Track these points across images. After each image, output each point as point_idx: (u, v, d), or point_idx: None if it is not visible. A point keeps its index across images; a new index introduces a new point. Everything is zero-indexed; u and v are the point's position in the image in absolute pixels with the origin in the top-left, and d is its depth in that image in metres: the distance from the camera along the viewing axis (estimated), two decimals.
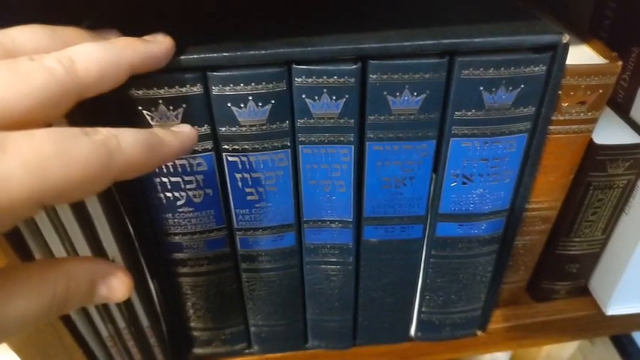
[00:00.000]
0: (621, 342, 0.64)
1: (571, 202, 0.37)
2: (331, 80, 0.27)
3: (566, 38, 0.27)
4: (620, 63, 0.30)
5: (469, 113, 0.29)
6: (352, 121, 0.28)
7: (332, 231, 0.33)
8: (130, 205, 0.31)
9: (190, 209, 0.31)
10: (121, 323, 0.34)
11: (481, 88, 0.28)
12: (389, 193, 0.32)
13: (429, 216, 0.33)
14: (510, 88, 0.28)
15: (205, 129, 0.28)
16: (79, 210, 0.28)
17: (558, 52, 0.27)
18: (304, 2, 0.32)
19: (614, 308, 0.42)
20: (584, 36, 0.33)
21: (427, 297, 0.37)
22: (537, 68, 0.27)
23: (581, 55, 0.32)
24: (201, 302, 0.36)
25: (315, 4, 0.32)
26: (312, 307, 0.38)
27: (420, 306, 0.38)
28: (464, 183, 0.31)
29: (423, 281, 0.37)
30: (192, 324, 0.37)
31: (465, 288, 0.37)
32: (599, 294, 0.43)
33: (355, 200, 0.32)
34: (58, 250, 0.29)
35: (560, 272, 0.42)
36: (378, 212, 0.33)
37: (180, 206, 0.31)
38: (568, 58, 0.28)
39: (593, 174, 0.35)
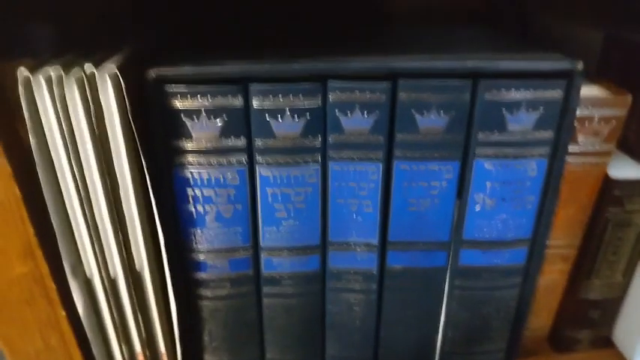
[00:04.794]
0: None
1: (590, 240, 0.37)
2: (364, 96, 0.29)
3: (580, 65, 0.29)
4: (630, 96, 0.32)
5: (492, 135, 0.30)
6: (381, 138, 0.30)
7: (356, 255, 0.33)
8: (161, 218, 0.31)
9: (219, 224, 0.32)
10: (137, 347, 0.33)
11: (503, 110, 0.29)
12: (414, 216, 0.32)
13: (453, 242, 0.34)
14: (530, 111, 0.30)
15: (242, 141, 0.30)
16: (116, 215, 0.28)
17: (574, 77, 0.29)
18: (339, 25, 0.35)
19: None
20: (593, 78, 0.36)
21: (450, 334, 0.37)
22: (555, 92, 0.29)
23: (592, 91, 0.34)
24: (218, 330, 0.35)
25: (348, 27, 0.35)
26: (332, 341, 0.37)
27: (443, 344, 0.37)
28: (487, 207, 0.32)
29: (446, 316, 0.36)
30: (206, 356, 0.36)
31: (487, 325, 0.36)
32: (623, 345, 0.42)
33: (381, 222, 0.32)
34: (87, 255, 0.29)
35: (582, 318, 0.41)
36: (402, 236, 0.33)
37: (210, 221, 0.31)
38: (587, 91, 0.30)
39: (610, 210, 0.36)
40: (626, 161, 0.37)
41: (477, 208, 0.32)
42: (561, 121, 0.30)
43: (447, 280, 0.35)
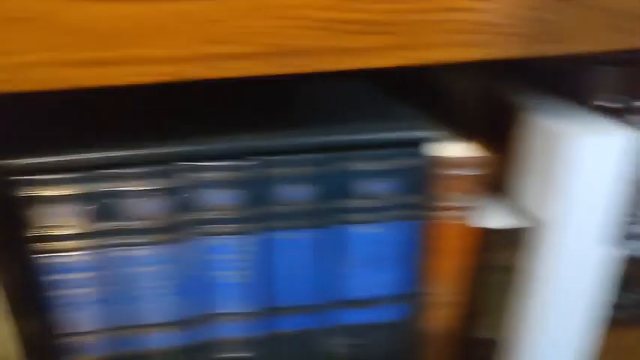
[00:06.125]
0: None
1: (472, 285, 0.39)
2: (225, 175, 0.29)
3: (431, 134, 0.31)
4: (490, 156, 0.34)
5: (358, 202, 0.31)
6: (247, 211, 0.30)
7: (236, 324, 0.34)
8: (27, 307, 0.31)
9: (95, 307, 0.31)
10: None
11: (364, 179, 0.31)
12: (291, 281, 0.33)
13: (332, 303, 0.34)
14: (390, 178, 0.31)
15: (106, 225, 0.29)
16: None
17: (427, 145, 0.31)
18: (194, 106, 0.35)
19: None
20: (463, 136, 0.38)
21: None
22: (411, 160, 0.31)
23: (459, 150, 0.36)
24: None
25: (206, 106, 0.35)
26: None
27: None
28: (363, 268, 0.33)
29: None
30: None
31: None
32: None
33: (257, 290, 0.33)
34: None
35: (476, 358, 0.43)
36: (280, 302, 0.34)
37: (86, 304, 0.31)
38: (449, 151, 0.32)
39: (485, 257, 0.38)
40: (494, 210, 0.39)
41: (353, 269, 0.33)
42: (422, 185, 0.32)
43: (333, 340, 0.36)
